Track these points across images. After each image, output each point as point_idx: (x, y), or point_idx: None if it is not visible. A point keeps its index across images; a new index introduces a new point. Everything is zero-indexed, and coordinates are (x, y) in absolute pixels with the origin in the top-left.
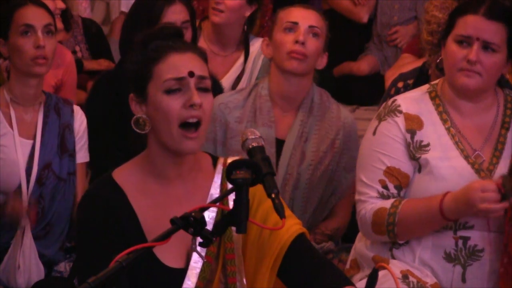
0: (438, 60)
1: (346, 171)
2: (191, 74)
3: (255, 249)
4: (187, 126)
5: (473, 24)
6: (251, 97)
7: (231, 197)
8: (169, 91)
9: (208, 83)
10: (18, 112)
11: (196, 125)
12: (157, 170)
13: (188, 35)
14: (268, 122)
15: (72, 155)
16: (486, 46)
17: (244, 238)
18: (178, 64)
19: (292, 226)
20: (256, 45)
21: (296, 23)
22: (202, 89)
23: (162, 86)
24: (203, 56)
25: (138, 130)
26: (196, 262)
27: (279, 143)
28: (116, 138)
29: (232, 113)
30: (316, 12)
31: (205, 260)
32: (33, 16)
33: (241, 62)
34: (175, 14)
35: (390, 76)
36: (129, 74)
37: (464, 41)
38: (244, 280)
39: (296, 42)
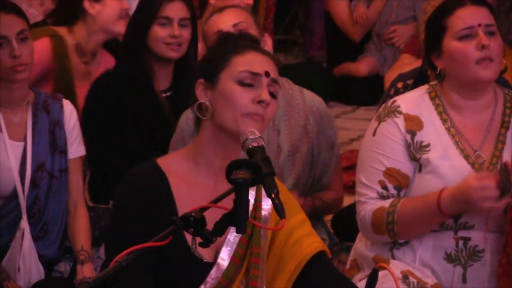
0: (437, 72)
1: (327, 150)
2: (267, 73)
3: (276, 259)
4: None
5: (468, 14)
6: None
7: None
8: (242, 83)
9: (277, 89)
10: (6, 115)
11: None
12: (203, 160)
13: (186, 33)
14: None
15: (63, 151)
16: (488, 31)
17: (270, 246)
18: (257, 61)
19: (315, 242)
20: None
21: (220, 31)
22: (271, 94)
23: (236, 76)
24: (278, 65)
25: (199, 115)
26: (223, 260)
27: None
28: (115, 138)
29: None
30: (232, 8)
31: (205, 260)
32: (4, 25)
33: None
34: (173, 11)
35: (390, 77)
36: (202, 61)
37: (467, 35)
38: (264, 286)
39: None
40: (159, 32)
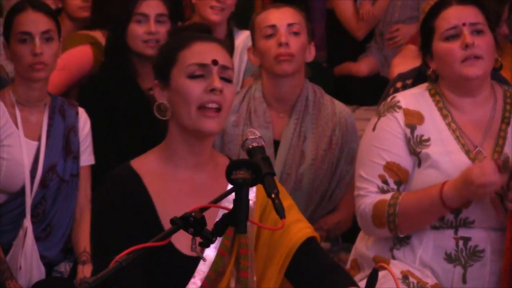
0: (429, 72)
1: (346, 163)
2: (214, 62)
3: (265, 248)
4: (207, 109)
5: (453, 14)
6: (245, 100)
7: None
8: (192, 76)
9: (230, 74)
10: (23, 113)
11: (216, 110)
12: (175, 158)
13: (164, 29)
14: (264, 123)
15: (76, 157)
16: (474, 30)
17: (256, 236)
18: (203, 51)
19: (303, 229)
20: (241, 38)
21: (274, 26)
22: (224, 79)
23: (185, 71)
24: (228, 49)
25: (159, 116)
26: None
27: (277, 145)
28: (107, 138)
29: (228, 118)
30: (290, 8)
31: (205, 261)
32: (31, 22)
33: None
34: (149, 7)
35: (397, 63)
36: (155, 63)
37: (453, 35)
38: (254, 277)
39: (280, 45)
40: (136, 29)
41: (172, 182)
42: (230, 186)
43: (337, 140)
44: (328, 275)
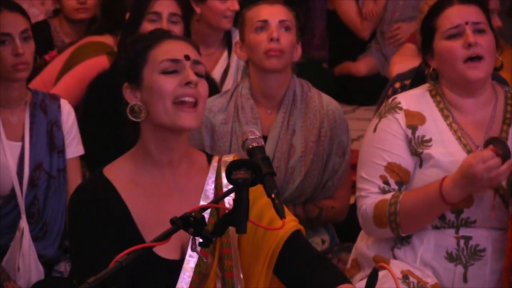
0: (431, 71)
1: (338, 155)
2: (187, 57)
3: (250, 245)
4: (183, 103)
5: (456, 13)
6: (233, 98)
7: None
8: (165, 72)
9: (202, 69)
10: (4, 115)
11: (194, 104)
12: (149, 157)
13: (177, 29)
14: (252, 120)
15: (61, 151)
16: (476, 29)
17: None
18: (174, 48)
19: (288, 222)
20: (238, 37)
21: (266, 21)
22: (197, 74)
23: (158, 68)
24: (195, 46)
25: (133, 119)
26: (191, 256)
27: (266, 140)
28: (112, 137)
29: (216, 117)
30: (282, 6)
31: (205, 260)
32: (9, 23)
33: (225, 57)
34: (162, 6)
35: (396, 62)
36: (123, 68)
37: (456, 34)
38: (241, 275)
39: (271, 40)
40: (148, 28)
41: (145, 186)
42: (207, 184)
43: (326, 132)
44: (316, 269)
